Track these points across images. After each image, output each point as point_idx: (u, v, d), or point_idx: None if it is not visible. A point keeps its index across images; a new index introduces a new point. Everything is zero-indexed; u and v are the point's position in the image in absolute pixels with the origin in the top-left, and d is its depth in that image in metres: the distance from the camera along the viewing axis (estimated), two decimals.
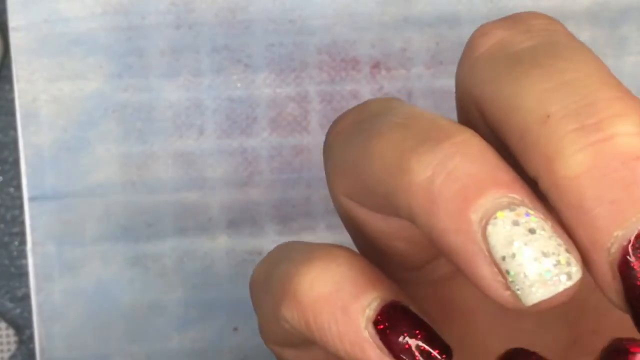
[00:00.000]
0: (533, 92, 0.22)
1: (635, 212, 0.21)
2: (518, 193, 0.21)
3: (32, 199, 0.38)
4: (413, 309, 0.23)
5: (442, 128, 0.23)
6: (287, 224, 0.39)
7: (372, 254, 0.26)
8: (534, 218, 0.21)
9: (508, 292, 0.21)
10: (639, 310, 0.21)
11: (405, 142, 0.22)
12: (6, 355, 0.39)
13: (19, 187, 0.38)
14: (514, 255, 0.21)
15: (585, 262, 0.21)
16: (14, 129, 0.38)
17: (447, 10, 0.39)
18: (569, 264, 0.21)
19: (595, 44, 0.39)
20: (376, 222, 0.25)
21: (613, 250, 0.21)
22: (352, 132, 0.25)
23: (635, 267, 0.21)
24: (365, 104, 0.26)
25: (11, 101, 0.38)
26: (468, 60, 0.25)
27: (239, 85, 0.39)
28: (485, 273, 0.21)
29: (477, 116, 0.24)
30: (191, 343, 0.39)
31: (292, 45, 0.39)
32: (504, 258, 0.21)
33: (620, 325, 0.22)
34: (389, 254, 0.26)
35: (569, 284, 0.21)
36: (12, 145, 0.38)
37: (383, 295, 0.23)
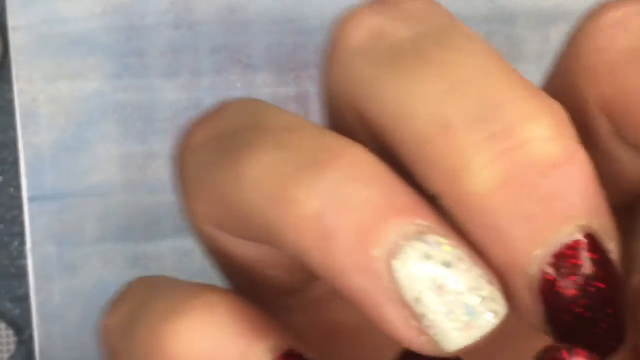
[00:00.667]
0: (426, 95, 0.19)
1: (555, 228, 0.19)
2: (425, 218, 0.19)
3: (31, 199, 0.38)
4: (309, 355, 0.21)
5: (328, 146, 0.20)
6: None
7: (243, 283, 0.23)
8: (448, 247, 0.19)
9: (424, 338, 0.18)
10: (563, 333, 0.19)
11: (285, 167, 0.19)
12: (6, 355, 0.39)
13: (18, 187, 0.38)
14: (428, 295, 0.18)
15: (501, 285, 0.19)
16: (13, 129, 0.38)
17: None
18: (493, 299, 0.19)
19: None
20: (246, 251, 0.22)
21: (532, 271, 0.19)
22: (211, 149, 0.21)
23: (557, 288, 0.19)
24: (223, 109, 0.23)
25: (10, 101, 0.38)
26: (337, 55, 0.22)
27: (238, 85, 0.39)
28: (394, 317, 0.18)
29: (353, 122, 0.21)
30: None
31: (292, 45, 0.39)
32: (416, 300, 0.18)
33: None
34: (264, 282, 0.23)
35: (495, 322, 0.19)
36: (12, 145, 0.38)
37: (274, 344, 0.20)
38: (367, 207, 0.18)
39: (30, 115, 0.38)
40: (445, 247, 0.19)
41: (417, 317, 0.18)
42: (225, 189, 0.20)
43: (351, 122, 0.21)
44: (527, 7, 0.39)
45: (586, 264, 0.19)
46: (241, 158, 0.20)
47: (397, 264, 0.18)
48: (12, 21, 0.38)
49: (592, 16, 0.21)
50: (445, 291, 0.18)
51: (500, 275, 0.19)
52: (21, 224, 0.38)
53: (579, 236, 0.19)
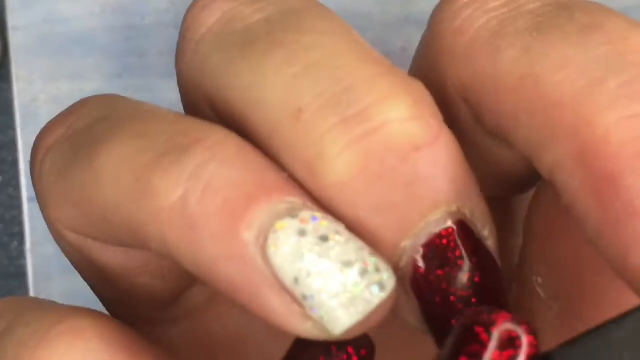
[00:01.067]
0: (277, 81, 0.18)
1: (422, 216, 0.17)
2: (297, 195, 0.17)
3: (31, 199, 0.38)
4: None
5: (187, 130, 0.18)
6: None
7: (114, 296, 0.22)
8: (324, 222, 0.17)
9: (309, 323, 0.17)
10: (440, 329, 0.18)
11: (142, 156, 0.18)
12: None
13: (17, 188, 0.38)
14: (308, 274, 0.17)
15: None
16: (13, 128, 0.38)
17: None
18: (378, 269, 0.17)
19: None
20: (115, 258, 0.20)
21: (402, 264, 0.18)
22: (66, 148, 0.20)
23: (430, 280, 0.17)
24: (79, 107, 0.21)
25: (10, 101, 0.38)
26: (189, 45, 0.20)
27: None
28: (275, 305, 0.17)
29: (209, 114, 0.20)
30: None
31: None
32: (296, 280, 0.17)
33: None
34: (133, 292, 0.21)
35: (384, 295, 0.17)
36: (11, 145, 0.38)
37: None
38: (232, 188, 0.17)
39: (30, 115, 0.38)
40: (321, 222, 0.17)
41: (298, 301, 0.17)
42: (82, 188, 0.19)
43: (207, 113, 0.20)
44: None
45: (459, 253, 0.17)
46: (96, 153, 0.18)
47: (270, 245, 0.17)
48: (12, 21, 0.38)
49: None
50: (324, 267, 0.17)
51: None
52: (21, 224, 0.38)
53: (450, 223, 0.18)
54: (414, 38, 0.40)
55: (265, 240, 0.17)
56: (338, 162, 0.17)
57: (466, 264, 0.18)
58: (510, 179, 0.20)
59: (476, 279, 0.18)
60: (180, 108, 0.40)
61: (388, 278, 0.17)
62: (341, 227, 0.17)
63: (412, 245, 0.17)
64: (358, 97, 0.17)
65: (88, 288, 0.39)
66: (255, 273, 0.17)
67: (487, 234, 0.18)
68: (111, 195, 0.18)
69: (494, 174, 0.20)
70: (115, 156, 0.18)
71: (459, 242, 0.18)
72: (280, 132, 0.18)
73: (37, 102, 0.38)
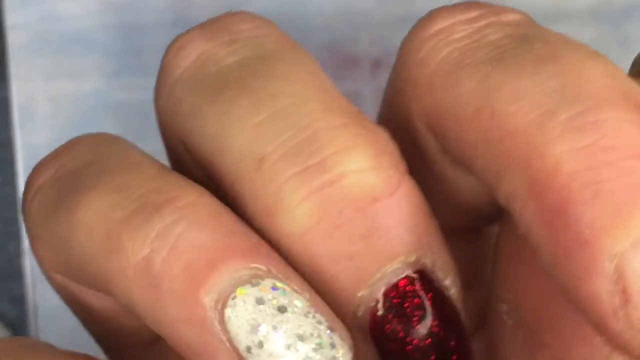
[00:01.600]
0: (242, 128, 0.18)
1: (379, 267, 0.18)
2: (262, 261, 0.17)
3: None
4: None
5: (163, 188, 0.18)
6: None
7: (102, 333, 0.22)
8: (283, 292, 0.17)
9: None
10: None
11: (117, 211, 0.18)
12: None
13: (15, 187, 0.38)
14: (261, 344, 0.17)
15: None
16: (11, 128, 0.38)
17: None
18: (332, 345, 0.17)
19: (599, 43, 0.38)
20: (98, 301, 0.21)
21: (360, 313, 0.18)
22: (54, 190, 0.20)
23: (387, 330, 0.17)
24: (71, 146, 0.22)
25: (7, 100, 0.38)
26: (165, 86, 0.20)
27: None
28: None
29: (187, 157, 0.20)
30: None
31: None
32: (249, 349, 0.17)
33: None
34: (119, 331, 0.21)
35: None
36: (9, 145, 0.38)
37: None
38: (197, 251, 0.17)
39: (28, 114, 0.38)
40: (281, 292, 0.17)
41: None
42: (62, 236, 0.19)
43: (182, 153, 0.20)
44: (528, 7, 0.39)
45: (417, 303, 0.18)
46: (75, 203, 0.19)
47: (228, 311, 0.17)
48: (10, 20, 0.38)
49: (419, 25, 0.20)
50: (278, 339, 0.17)
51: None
52: (19, 224, 0.38)
53: (409, 273, 0.18)
54: None
55: (224, 306, 0.17)
56: (296, 212, 0.17)
57: (424, 314, 0.18)
58: (479, 209, 0.21)
59: (434, 330, 0.18)
60: None
61: (343, 355, 0.17)
62: (302, 298, 0.17)
63: (369, 295, 0.18)
64: (319, 147, 0.18)
65: None
66: (212, 338, 0.17)
67: (449, 283, 0.18)
68: (86, 247, 0.18)
69: (463, 204, 0.20)
70: (92, 210, 0.18)
71: (417, 291, 0.18)
72: (242, 180, 0.18)
73: (35, 101, 0.38)
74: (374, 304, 0.18)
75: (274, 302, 0.17)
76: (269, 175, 0.18)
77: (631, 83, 0.18)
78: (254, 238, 0.18)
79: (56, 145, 0.39)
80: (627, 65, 0.41)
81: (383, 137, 0.19)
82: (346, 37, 0.39)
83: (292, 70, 0.19)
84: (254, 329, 0.17)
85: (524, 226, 0.17)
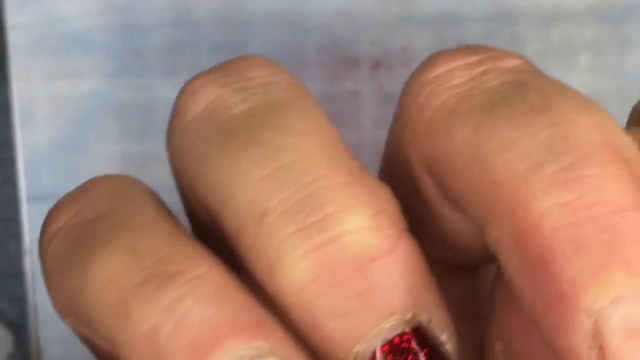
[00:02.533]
0: (247, 181, 0.18)
1: (375, 323, 0.18)
2: (266, 338, 0.18)
3: (29, 199, 0.38)
4: None
5: (173, 257, 0.19)
6: None
7: None
8: None
9: None
10: None
11: (129, 277, 0.18)
12: (3, 355, 0.39)
13: (16, 187, 0.38)
14: None
15: None
16: (11, 128, 0.38)
17: (448, 9, 0.39)
18: None
19: (598, 43, 0.39)
20: (110, 349, 0.20)
21: None
22: (68, 240, 0.20)
23: None
24: (87, 190, 0.22)
25: (8, 100, 0.38)
26: (177, 128, 0.21)
27: None
28: None
29: (193, 201, 0.21)
30: None
31: (291, 44, 0.39)
32: None
33: None
34: None
35: None
36: (9, 145, 0.38)
37: None
38: (202, 326, 0.17)
39: (28, 115, 0.38)
40: None
41: None
42: (74, 289, 0.20)
43: (191, 197, 0.21)
44: (528, 7, 0.39)
45: (412, 358, 0.18)
46: (90, 259, 0.19)
47: None
48: (10, 20, 0.38)
49: (419, 69, 0.21)
50: None
51: None
52: (19, 224, 0.38)
53: (406, 329, 0.18)
54: (414, 38, 0.40)
55: None
56: (295, 269, 0.18)
57: None
58: (478, 249, 0.21)
59: None
60: None
61: None
62: None
63: (364, 350, 0.18)
64: (320, 205, 0.18)
65: None
66: None
67: (445, 338, 0.19)
68: (96, 308, 0.19)
69: (462, 244, 0.21)
70: (105, 269, 0.19)
71: (412, 348, 0.18)
72: (245, 234, 0.18)
73: (35, 101, 0.38)
74: (369, 358, 0.18)
75: None
76: (270, 230, 0.18)
77: (621, 137, 0.18)
78: (260, 313, 0.18)
79: (57, 146, 0.39)
80: (626, 65, 0.41)
81: (383, 195, 0.19)
82: (346, 37, 0.39)
83: (299, 123, 0.20)
84: None
85: (508, 274, 0.18)
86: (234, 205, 0.18)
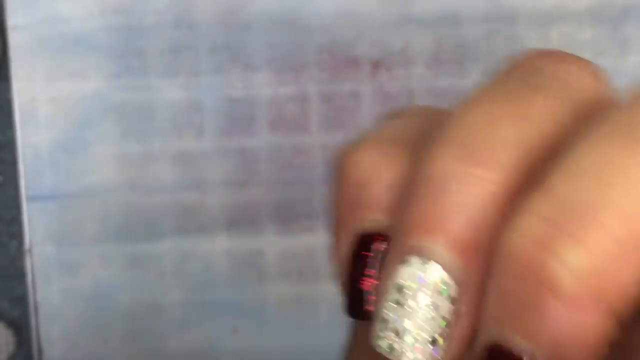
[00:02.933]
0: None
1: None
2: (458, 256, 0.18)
3: (30, 199, 0.38)
4: None
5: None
6: (287, 224, 0.39)
7: None
8: (450, 283, 0.18)
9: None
10: None
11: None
12: (5, 355, 0.39)
13: (16, 188, 0.38)
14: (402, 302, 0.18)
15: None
16: (12, 128, 0.38)
17: (448, 9, 0.39)
18: (425, 348, 0.18)
19: (597, 44, 0.39)
20: None
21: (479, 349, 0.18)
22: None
23: None
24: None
25: (9, 101, 0.38)
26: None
27: (238, 85, 0.39)
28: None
29: None
30: (190, 344, 0.39)
31: (292, 44, 0.39)
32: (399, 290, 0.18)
33: None
34: None
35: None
36: (10, 145, 0.38)
37: None
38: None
39: (29, 115, 0.38)
40: (445, 281, 0.18)
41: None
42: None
43: None
44: (528, 7, 0.39)
45: None
46: None
47: (401, 266, 0.18)
48: (11, 21, 0.38)
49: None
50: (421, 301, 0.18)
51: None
52: (20, 224, 0.38)
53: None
54: (414, 38, 0.41)
55: (402, 262, 0.19)
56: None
57: None
58: None
59: None
60: (180, 108, 0.40)
61: (441, 348, 0.18)
62: (448, 306, 0.18)
63: (493, 340, 0.18)
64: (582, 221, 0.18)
65: (88, 288, 0.39)
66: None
67: None
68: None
69: None
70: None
71: None
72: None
73: (36, 102, 0.38)
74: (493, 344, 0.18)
75: (432, 280, 0.18)
76: None
77: None
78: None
79: (58, 146, 0.39)
80: (625, 65, 0.41)
81: None
82: (346, 38, 0.39)
83: None
84: (409, 288, 0.18)
85: None
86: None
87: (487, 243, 0.18)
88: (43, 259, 0.38)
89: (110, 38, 0.38)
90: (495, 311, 0.18)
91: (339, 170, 0.21)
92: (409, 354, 0.18)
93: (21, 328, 0.39)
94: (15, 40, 0.38)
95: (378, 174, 0.20)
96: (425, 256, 0.18)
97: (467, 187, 0.18)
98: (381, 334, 0.19)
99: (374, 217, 0.19)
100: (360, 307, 0.19)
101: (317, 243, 0.39)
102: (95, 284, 0.39)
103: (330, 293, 0.41)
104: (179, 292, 0.39)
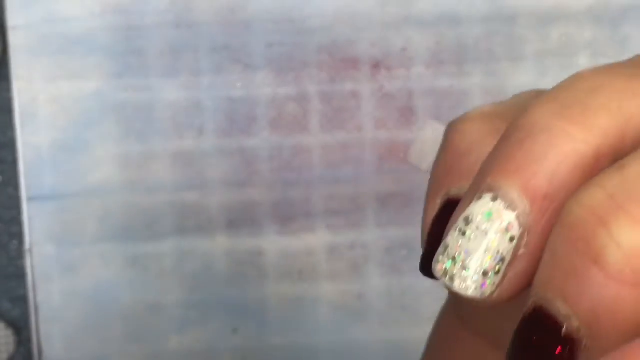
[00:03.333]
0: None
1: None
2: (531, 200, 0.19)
3: (30, 199, 0.38)
4: None
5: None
6: (286, 224, 0.39)
7: None
8: (512, 221, 0.19)
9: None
10: None
11: None
12: (5, 355, 0.39)
13: (17, 188, 0.38)
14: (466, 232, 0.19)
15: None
16: (13, 128, 0.38)
17: (447, 10, 0.39)
18: (478, 279, 0.19)
19: (597, 44, 0.39)
20: None
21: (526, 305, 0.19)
22: None
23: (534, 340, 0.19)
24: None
25: (9, 101, 0.38)
26: None
27: (238, 85, 0.39)
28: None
29: None
30: (190, 344, 0.39)
31: (292, 45, 0.39)
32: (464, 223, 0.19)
33: None
34: None
35: (460, 291, 0.19)
36: (11, 145, 0.38)
37: None
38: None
39: (30, 115, 0.38)
40: (511, 221, 0.19)
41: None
42: None
43: None
44: (527, 7, 0.39)
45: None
46: None
47: (475, 201, 0.19)
48: (11, 21, 0.38)
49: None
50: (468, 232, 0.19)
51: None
52: (20, 224, 0.38)
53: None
54: (414, 38, 0.41)
55: (476, 198, 0.19)
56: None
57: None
58: None
59: None
60: (180, 108, 0.40)
61: (482, 290, 0.19)
62: (514, 249, 0.19)
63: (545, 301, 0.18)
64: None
65: (88, 288, 0.39)
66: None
67: None
68: None
69: None
70: None
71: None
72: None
73: (36, 102, 0.38)
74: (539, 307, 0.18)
75: (499, 219, 0.19)
76: None
77: None
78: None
79: (58, 146, 0.39)
80: None
81: None
82: (346, 38, 0.39)
83: None
84: (481, 218, 0.19)
85: None
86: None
87: (560, 200, 0.18)
88: (43, 259, 0.38)
89: (110, 38, 0.38)
90: (544, 273, 0.18)
91: (444, 138, 0.22)
92: (458, 281, 0.19)
93: (21, 328, 0.39)
94: (15, 40, 0.38)
95: (479, 143, 0.21)
96: (498, 195, 0.19)
97: (557, 140, 0.19)
98: (440, 258, 0.19)
99: (467, 185, 0.20)
100: (431, 265, 0.20)
101: (317, 243, 0.39)
102: (95, 284, 0.39)
103: (330, 293, 0.41)
104: (179, 291, 0.39)
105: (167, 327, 0.39)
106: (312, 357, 0.40)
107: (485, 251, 0.19)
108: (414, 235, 0.41)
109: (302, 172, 0.39)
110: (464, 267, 0.19)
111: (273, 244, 0.39)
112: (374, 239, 0.39)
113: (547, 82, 0.39)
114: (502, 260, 0.19)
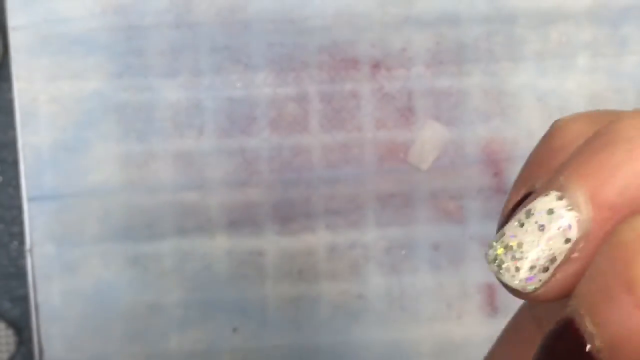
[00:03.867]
0: None
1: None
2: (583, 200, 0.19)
3: (31, 199, 0.38)
4: None
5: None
6: (286, 224, 0.39)
7: None
8: (570, 218, 0.19)
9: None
10: None
11: None
12: (5, 355, 0.39)
13: (17, 188, 0.38)
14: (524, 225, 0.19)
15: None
16: (13, 128, 0.38)
17: (447, 10, 0.39)
18: (530, 273, 0.19)
19: (596, 44, 0.39)
20: None
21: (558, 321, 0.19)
22: None
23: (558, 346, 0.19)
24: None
25: (10, 101, 0.38)
26: None
27: (238, 85, 0.39)
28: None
29: None
30: (190, 344, 0.39)
31: (292, 45, 0.39)
32: (524, 215, 0.19)
33: None
34: None
35: (508, 281, 0.19)
36: (11, 145, 0.38)
37: None
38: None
39: (30, 115, 0.38)
40: (570, 224, 0.19)
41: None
42: None
43: None
44: (527, 7, 0.39)
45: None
46: None
47: (541, 196, 0.20)
48: (12, 21, 0.38)
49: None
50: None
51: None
52: (21, 224, 0.38)
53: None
54: (414, 38, 0.41)
55: (538, 195, 0.19)
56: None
57: None
58: None
59: None
60: (180, 108, 0.40)
61: (525, 283, 0.19)
62: (572, 245, 0.19)
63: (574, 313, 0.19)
64: None
65: (88, 288, 0.39)
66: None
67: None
68: None
69: None
70: None
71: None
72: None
73: (37, 102, 0.38)
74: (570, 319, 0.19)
75: (560, 212, 0.19)
76: None
77: None
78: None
79: (58, 146, 0.39)
80: (624, 65, 0.41)
81: None
82: (346, 38, 0.39)
83: None
84: (541, 214, 0.19)
85: None
86: None
87: (625, 215, 0.18)
88: (44, 258, 0.38)
89: (111, 38, 0.38)
90: (583, 287, 0.18)
91: (546, 132, 0.22)
92: (506, 270, 0.19)
93: (22, 327, 0.39)
94: (15, 40, 0.38)
95: (575, 142, 0.21)
96: (565, 195, 0.19)
97: (636, 153, 0.19)
98: (494, 244, 0.19)
99: None
100: None
101: (317, 243, 0.39)
102: (96, 283, 0.39)
103: (330, 293, 0.41)
104: (179, 291, 0.39)
105: (167, 327, 0.39)
106: (312, 356, 0.40)
107: (539, 247, 0.19)
108: (414, 235, 0.41)
109: (302, 172, 0.39)
110: (514, 258, 0.19)
111: (273, 244, 0.39)
112: (374, 239, 0.39)
113: (547, 82, 0.39)
114: (553, 259, 0.19)
